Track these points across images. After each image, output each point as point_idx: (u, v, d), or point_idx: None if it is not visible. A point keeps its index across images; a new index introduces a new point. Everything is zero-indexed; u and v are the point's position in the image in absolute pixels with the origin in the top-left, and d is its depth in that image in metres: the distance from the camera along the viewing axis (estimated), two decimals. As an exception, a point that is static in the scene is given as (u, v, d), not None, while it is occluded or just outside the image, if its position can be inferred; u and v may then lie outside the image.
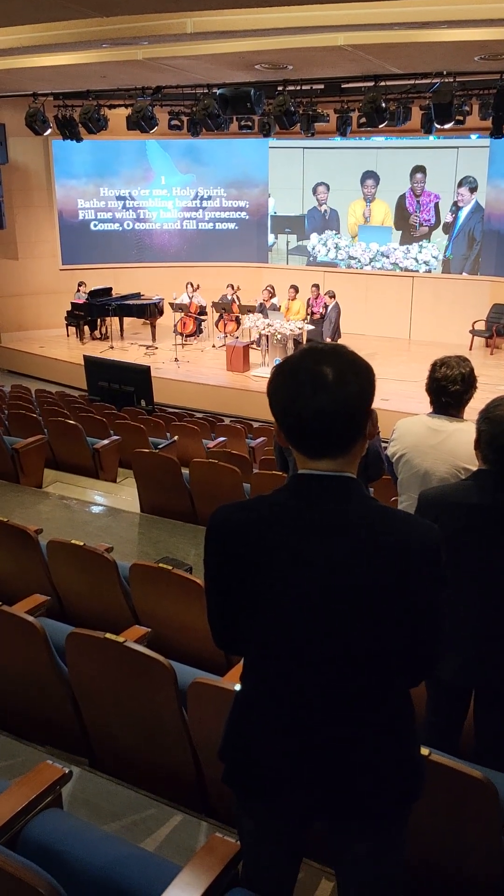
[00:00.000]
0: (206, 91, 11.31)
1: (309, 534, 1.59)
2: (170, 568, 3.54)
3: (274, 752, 1.68)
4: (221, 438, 8.51)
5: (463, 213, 14.79)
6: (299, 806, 1.71)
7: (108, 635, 2.70)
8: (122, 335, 15.31)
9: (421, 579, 1.59)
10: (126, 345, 14.90)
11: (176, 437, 8.09)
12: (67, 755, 2.98)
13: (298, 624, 1.61)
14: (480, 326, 14.32)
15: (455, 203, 14.80)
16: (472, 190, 14.56)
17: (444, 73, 9.97)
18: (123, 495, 6.94)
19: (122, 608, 3.78)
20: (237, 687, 1.82)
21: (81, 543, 3.82)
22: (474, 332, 14.32)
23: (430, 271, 15.25)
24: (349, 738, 1.64)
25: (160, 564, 3.62)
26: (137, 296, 15.34)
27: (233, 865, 1.87)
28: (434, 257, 15.15)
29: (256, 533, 1.63)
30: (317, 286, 14.20)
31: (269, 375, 1.65)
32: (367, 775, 1.65)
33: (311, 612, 1.59)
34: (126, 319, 15.35)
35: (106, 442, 7.52)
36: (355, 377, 1.56)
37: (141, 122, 11.59)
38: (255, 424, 10.25)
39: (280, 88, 10.71)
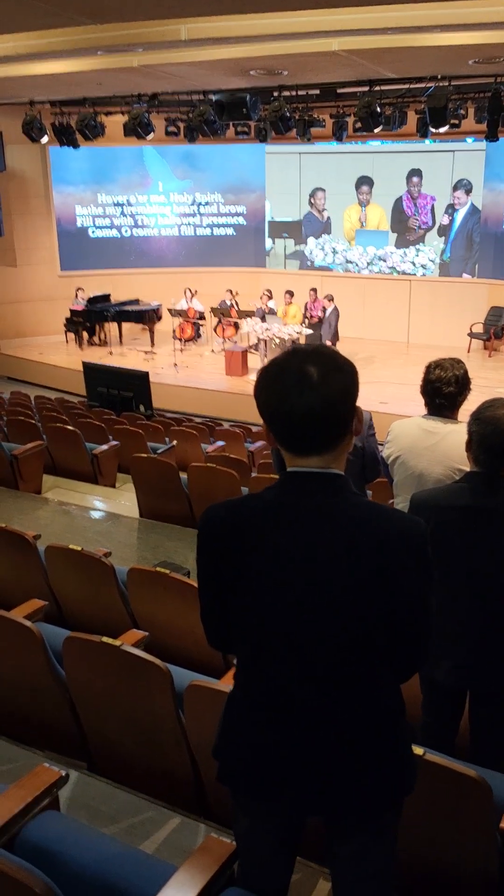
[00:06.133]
0: (201, 97, 11.35)
1: (293, 528, 1.61)
2: (167, 572, 3.55)
3: (265, 748, 1.69)
4: (220, 443, 8.53)
5: (459, 216, 14.82)
6: (292, 802, 1.73)
7: (104, 639, 2.71)
8: (120, 341, 15.33)
9: (404, 571, 1.60)
10: (125, 350, 14.92)
11: (175, 442, 8.10)
12: (66, 759, 2.99)
13: (284, 618, 1.63)
14: (478, 329, 14.34)
15: (451, 205, 14.85)
16: (468, 192, 14.61)
17: (439, 77, 10.00)
18: (122, 500, 6.95)
19: (120, 612, 3.79)
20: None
21: (79, 548, 3.83)
22: (472, 335, 14.34)
23: (426, 274, 15.28)
24: (339, 733, 1.66)
25: (158, 569, 3.63)
26: (136, 302, 15.38)
27: (229, 865, 1.88)
28: (431, 260, 15.18)
29: (243, 530, 1.66)
30: (314, 290, 14.21)
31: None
32: (357, 770, 1.66)
33: (297, 606, 1.61)
34: (125, 325, 15.37)
35: (105, 447, 7.53)
36: (340, 375, 1.59)
37: (137, 129, 11.62)
38: (254, 428, 10.25)
39: (275, 94, 10.73)
